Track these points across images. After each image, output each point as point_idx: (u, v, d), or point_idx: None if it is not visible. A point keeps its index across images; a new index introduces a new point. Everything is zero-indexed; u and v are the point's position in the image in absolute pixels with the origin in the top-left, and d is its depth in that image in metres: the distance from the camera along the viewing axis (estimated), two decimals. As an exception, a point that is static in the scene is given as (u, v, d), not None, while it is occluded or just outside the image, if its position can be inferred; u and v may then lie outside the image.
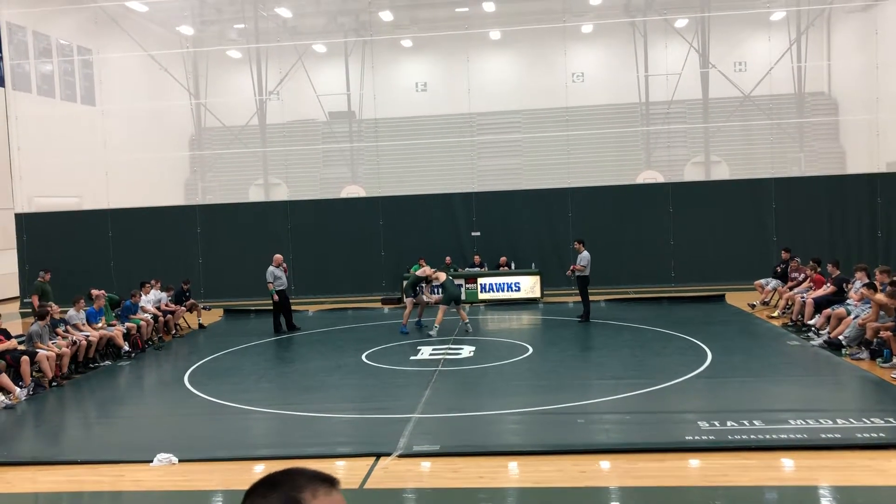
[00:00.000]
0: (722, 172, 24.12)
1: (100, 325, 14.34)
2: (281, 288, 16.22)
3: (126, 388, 12.49)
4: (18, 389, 11.22)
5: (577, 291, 16.55)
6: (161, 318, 16.30)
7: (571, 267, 16.37)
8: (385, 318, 18.17)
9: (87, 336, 13.51)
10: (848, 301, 13.34)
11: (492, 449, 8.07)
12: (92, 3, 23.32)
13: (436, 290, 16.81)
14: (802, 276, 16.22)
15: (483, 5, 24.84)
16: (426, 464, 7.77)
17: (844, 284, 14.22)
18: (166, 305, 16.99)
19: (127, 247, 22.05)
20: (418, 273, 16.38)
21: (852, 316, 12.44)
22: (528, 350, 13.34)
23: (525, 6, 26.17)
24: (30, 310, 16.46)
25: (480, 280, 19.82)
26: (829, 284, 14.63)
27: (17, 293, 22.81)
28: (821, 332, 13.24)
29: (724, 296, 18.51)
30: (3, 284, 23.52)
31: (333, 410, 9.93)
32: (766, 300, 17.36)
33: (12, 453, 8.73)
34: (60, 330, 13.40)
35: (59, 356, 12.44)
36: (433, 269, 16.37)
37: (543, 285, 19.68)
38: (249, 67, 25.95)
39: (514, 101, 24.85)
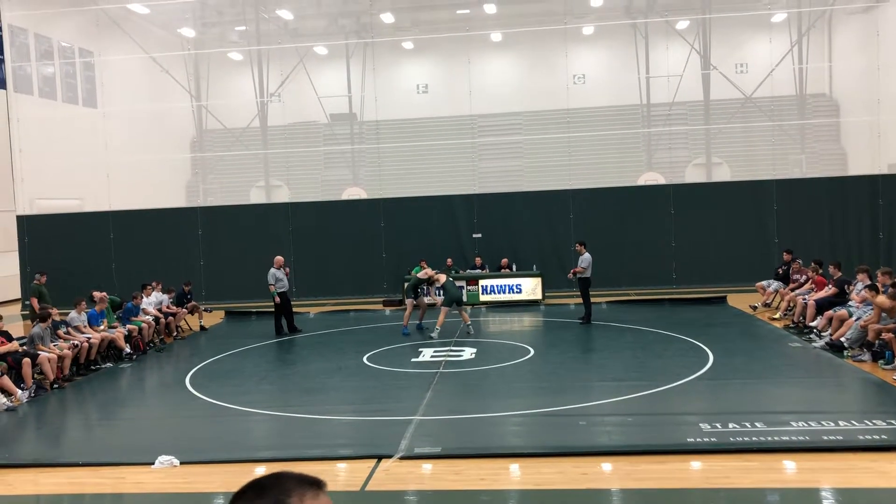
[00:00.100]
0: (723, 174, 24.11)
1: (101, 327, 14.34)
2: (282, 290, 16.22)
3: (127, 390, 12.49)
4: (20, 391, 11.22)
5: (579, 293, 16.54)
6: (162, 320, 16.31)
7: (572, 270, 16.36)
8: (386, 319, 18.16)
9: (89, 338, 13.51)
10: (850, 303, 13.32)
11: (493, 451, 8.06)
12: (93, 5, 23.35)
13: (438, 291, 16.81)
14: (804, 277, 16.21)
15: (484, 7, 24.85)
16: (427, 466, 7.76)
17: (846, 286, 14.21)
18: (167, 307, 16.99)
19: (128, 249, 22.07)
20: (419, 275, 16.38)
21: (854, 318, 12.42)
22: (529, 352, 13.34)
23: (526, 8, 26.18)
24: (30, 312, 16.41)
25: (482, 282, 19.81)
26: (830, 286, 14.62)
27: (18, 295, 22.82)
28: (822, 333, 13.22)
29: (725, 297, 18.49)
30: (5, 286, 23.55)
31: (335, 412, 9.93)
32: (767, 302, 17.35)
33: (14, 455, 8.74)
34: (62, 332, 13.41)
35: (61, 358, 12.44)
36: (434, 271, 16.38)
37: (545, 287, 19.67)
38: (251, 69, 25.96)
39: (515, 102, 24.85)
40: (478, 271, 20.48)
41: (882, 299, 11.69)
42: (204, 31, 27.08)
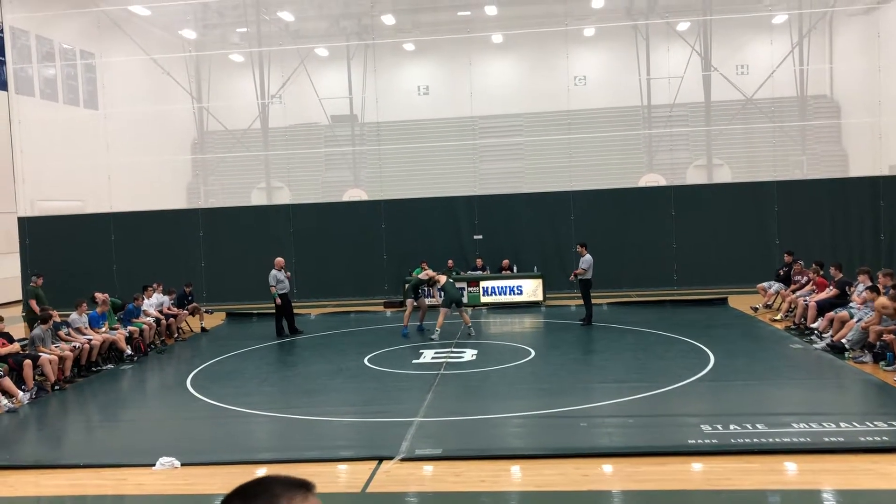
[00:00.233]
0: (724, 175, 24.11)
1: (102, 328, 14.34)
2: (283, 291, 16.23)
3: (128, 391, 12.49)
4: (21, 393, 11.23)
5: (580, 295, 16.54)
6: (163, 322, 16.31)
7: (574, 272, 16.36)
8: (387, 321, 18.17)
9: (90, 340, 13.52)
10: (851, 304, 13.31)
11: (494, 452, 8.06)
12: (95, 7, 23.38)
13: (440, 293, 16.81)
14: (805, 279, 16.21)
15: (485, 9, 24.87)
16: (428, 467, 7.76)
17: (847, 287, 14.20)
18: (169, 309, 17.00)
19: (129, 250, 22.08)
20: (420, 276, 16.38)
21: (855, 319, 12.41)
22: (530, 353, 13.33)
23: (527, 10, 26.19)
24: (26, 314, 16.34)
25: (483, 283, 19.82)
26: (831, 287, 14.61)
27: (19, 297, 22.81)
28: (824, 335, 13.21)
29: (726, 299, 18.48)
30: (6, 288, 23.55)
31: (335, 414, 9.94)
32: (768, 303, 17.34)
33: (15, 457, 8.75)
34: (63, 333, 13.41)
35: (62, 360, 12.45)
36: (434, 272, 16.37)
37: (546, 288, 19.67)
38: (252, 71, 25.99)
39: (516, 104, 24.86)
40: (479, 273, 20.48)
41: (883, 301, 11.68)
42: (205, 33, 27.10)
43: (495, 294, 19.76)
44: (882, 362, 11.14)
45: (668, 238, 21.14)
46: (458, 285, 16.73)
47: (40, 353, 12.07)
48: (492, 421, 9.30)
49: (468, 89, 22.84)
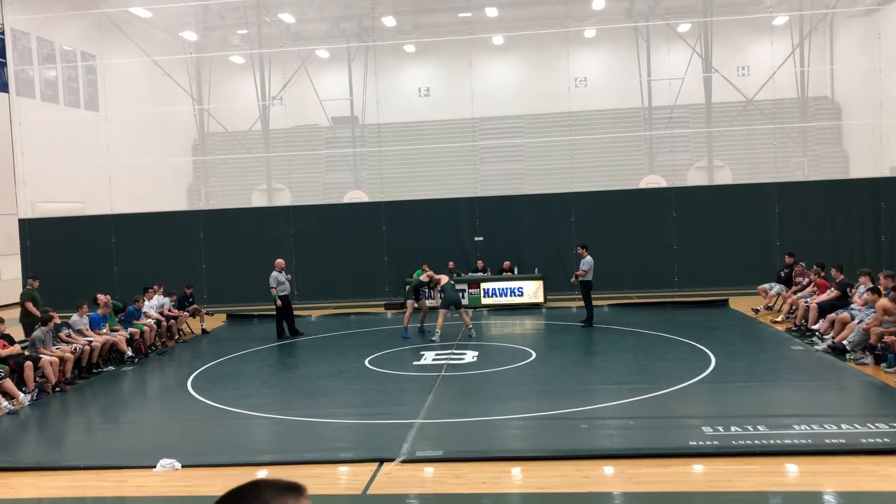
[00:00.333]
0: (725, 177, 24.10)
1: (103, 330, 14.34)
2: (284, 293, 16.22)
3: (129, 393, 12.49)
4: (22, 395, 11.23)
5: (581, 296, 16.53)
6: (164, 324, 16.31)
7: (575, 273, 16.36)
8: (388, 323, 18.16)
9: (90, 341, 13.52)
10: (852, 306, 13.31)
11: (495, 454, 8.05)
12: (96, 9, 23.39)
13: (441, 293, 16.81)
14: (806, 280, 16.20)
15: (486, 10, 24.88)
16: (429, 469, 7.75)
17: (848, 289, 14.19)
18: (169, 311, 16.99)
19: (130, 252, 22.08)
20: (421, 277, 16.37)
21: (856, 321, 12.40)
22: (531, 355, 13.33)
23: (528, 11, 26.19)
24: (27, 318, 16.24)
25: (483, 285, 19.81)
26: (832, 289, 14.60)
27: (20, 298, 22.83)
28: (825, 336, 13.20)
29: (727, 300, 18.47)
30: (7, 290, 23.54)
31: (336, 416, 9.93)
32: (769, 305, 17.33)
33: (16, 459, 8.75)
34: (63, 335, 13.41)
35: (63, 361, 12.45)
36: (434, 273, 16.35)
37: (546, 290, 19.66)
38: (252, 73, 26.01)
39: (516, 105, 24.86)
40: (479, 274, 20.47)
41: (884, 302, 11.68)
42: (206, 35, 27.12)
43: (496, 296, 19.76)
44: (883, 364, 11.13)
45: (668, 239, 21.13)
46: (458, 287, 16.72)
47: (41, 355, 12.07)
48: (493, 423, 9.29)
49: (469, 91, 22.85)
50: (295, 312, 17.12)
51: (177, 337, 16.78)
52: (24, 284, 17.97)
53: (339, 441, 8.95)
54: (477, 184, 23.55)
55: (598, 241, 18.97)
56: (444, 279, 15.85)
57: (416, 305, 16.19)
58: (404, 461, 7.86)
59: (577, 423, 8.99)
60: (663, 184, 22.89)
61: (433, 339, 14.92)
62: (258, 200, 25.88)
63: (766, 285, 17.83)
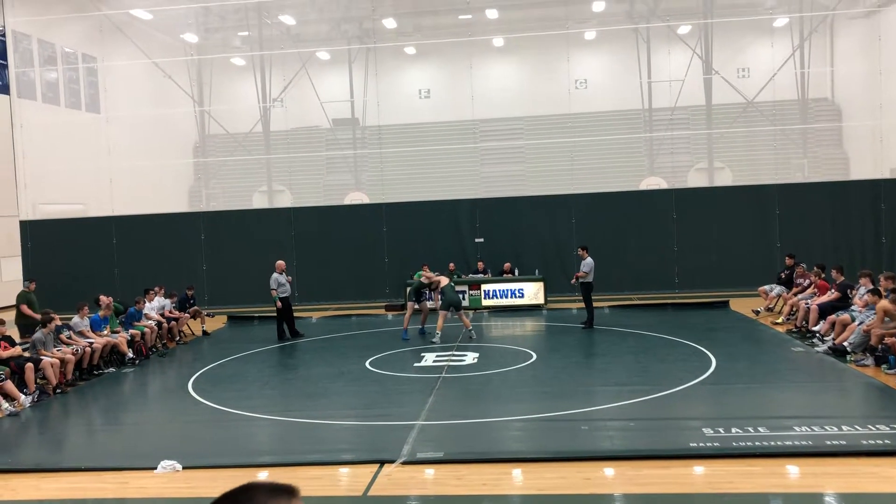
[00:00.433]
0: (725, 178, 24.11)
1: (104, 331, 14.35)
2: (284, 295, 16.23)
3: (130, 394, 12.50)
4: (23, 396, 11.23)
5: (581, 298, 16.53)
6: (165, 325, 16.32)
7: (575, 275, 16.36)
8: (389, 324, 18.16)
9: (91, 343, 13.53)
10: (852, 307, 13.31)
11: (495, 456, 8.05)
12: (97, 11, 23.43)
13: (441, 295, 16.80)
14: (807, 282, 16.20)
15: (486, 12, 24.89)
16: (430, 471, 7.75)
17: (849, 290, 14.20)
18: (170, 312, 17.01)
19: (131, 254, 22.10)
20: (421, 279, 16.37)
21: (857, 322, 12.40)
22: (531, 357, 13.33)
23: (528, 13, 26.21)
24: (22, 320, 16.22)
25: (484, 286, 19.82)
26: (833, 290, 14.60)
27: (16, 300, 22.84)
28: (825, 338, 13.20)
29: (728, 302, 18.48)
30: (8, 291, 23.52)
31: (337, 417, 9.92)
32: (770, 306, 17.33)
33: (16, 460, 8.75)
34: (64, 336, 13.42)
35: (64, 363, 12.45)
36: (434, 274, 16.35)
37: (547, 292, 19.67)
38: (253, 75, 26.03)
39: (517, 107, 24.88)
40: (480, 276, 20.48)
41: (885, 304, 11.68)
42: (207, 37, 27.15)
43: (497, 297, 19.76)
44: (884, 365, 11.13)
45: (669, 241, 21.14)
46: (459, 288, 16.71)
47: (42, 357, 12.08)
48: (493, 424, 9.29)
49: (469, 93, 22.87)
50: (296, 314, 17.12)
51: (178, 338, 16.79)
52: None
53: (340, 442, 8.95)
54: (477, 185, 23.56)
55: (598, 242, 18.98)
56: (443, 281, 15.84)
57: (416, 307, 16.19)
58: (405, 463, 7.86)
59: (578, 425, 8.99)
60: (664, 185, 22.91)
61: (434, 340, 14.92)
62: (259, 202, 25.90)
63: (766, 287, 17.83)
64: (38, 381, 11.93)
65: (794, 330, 14.80)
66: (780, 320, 16.02)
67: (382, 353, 14.21)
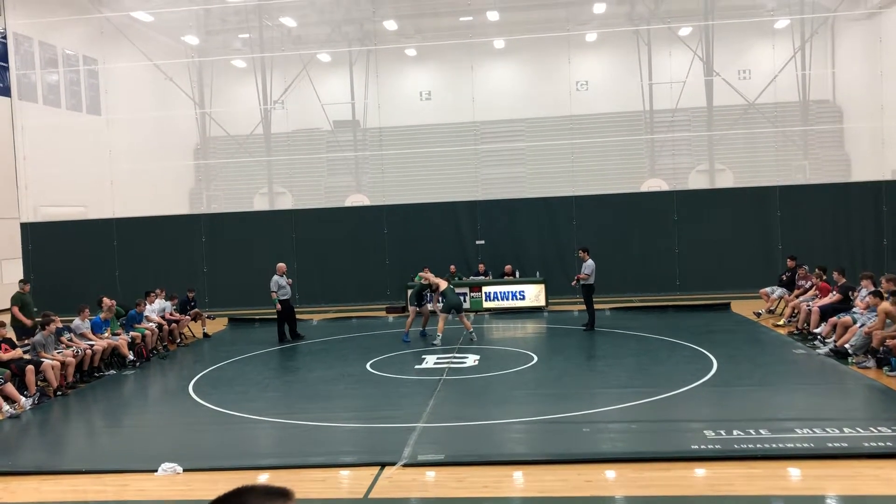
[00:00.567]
0: (726, 180, 24.10)
1: (105, 334, 14.35)
2: (285, 297, 16.22)
3: (131, 397, 12.48)
4: (23, 399, 11.23)
5: (582, 300, 16.52)
6: (166, 328, 16.31)
7: (576, 277, 16.35)
8: (389, 326, 18.15)
9: (92, 345, 13.52)
10: (854, 309, 13.29)
11: (497, 458, 8.04)
12: (98, 13, 23.45)
13: (441, 298, 16.80)
14: (809, 284, 16.18)
15: (487, 14, 24.91)
16: (431, 473, 7.74)
17: (850, 293, 14.18)
18: (171, 314, 17.00)
19: (132, 256, 22.10)
20: (423, 282, 16.36)
21: (858, 324, 12.39)
22: (533, 359, 13.32)
23: (529, 15, 26.22)
24: (14, 323, 16.10)
25: (485, 288, 19.81)
26: (834, 292, 14.58)
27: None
28: (827, 340, 13.18)
29: (729, 304, 18.46)
30: (9, 294, 23.49)
31: (338, 419, 9.91)
32: (771, 308, 17.32)
33: (16, 463, 8.73)
34: (65, 339, 13.42)
35: (64, 365, 12.45)
36: (433, 276, 16.34)
37: (548, 294, 19.66)
38: (254, 77, 26.05)
39: (518, 109, 24.89)
40: (481, 278, 20.47)
41: (886, 306, 11.66)
42: (208, 39, 27.18)
43: (498, 299, 19.75)
44: (885, 367, 11.12)
45: (670, 243, 21.12)
46: (459, 291, 16.70)
47: (42, 359, 12.07)
48: (494, 427, 9.28)
49: (470, 94, 22.87)
50: (296, 316, 17.10)
51: (178, 341, 16.79)
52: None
53: (341, 445, 8.95)
54: (478, 187, 23.56)
55: (599, 244, 18.98)
56: (442, 285, 15.80)
57: (418, 310, 16.18)
58: (406, 465, 7.85)
59: (579, 427, 8.97)
60: (665, 187, 22.90)
61: (434, 342, 14.91)
62: (260, 204, 25.91)
63: (767, 289, 17.82)
64: (39, 383, 11.93)
65: (796, 332, 14.78)
66: (781, 322, 16.00)
67: (383, 355, 14.20)
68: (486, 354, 13.93)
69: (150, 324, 15.82)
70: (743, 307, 17.97)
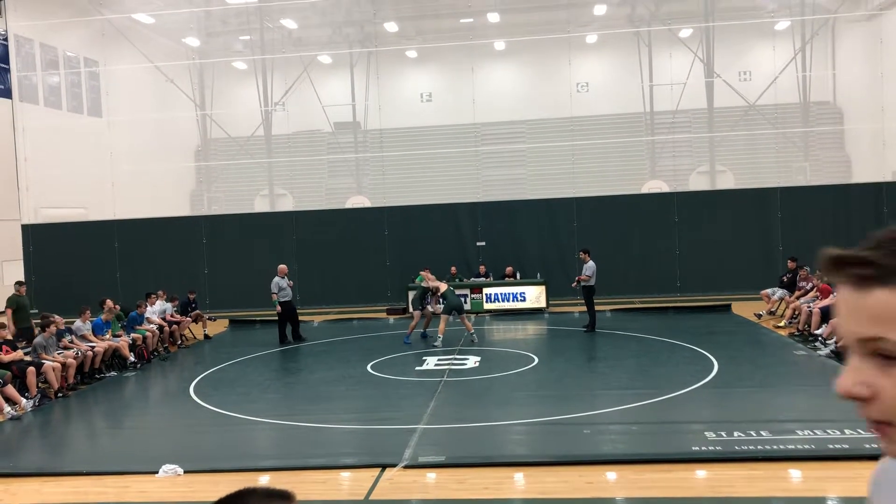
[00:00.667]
0: (727, 182, 24.10)
1: (106, 335, 14.35)
2: (285, 299, 16.20)
3: (131, 398, 12.49)
4: (24, 400, 11.23)
5: (583, 301, 16.52)
6: (167, 329, 16.31)
7: (577, 278, 16.35)
8: (390, 328, 18.15)
9: (93, 347, 13.53)
10: (855, 310, 13.26)
11: (497, 460, 8.04)
12: (99, 15, 23.48)
13: (441, 300, 16.80)
14: (809, 285, 16.18)
15: (487, 16, 24.94)
16: (432, 475, 7.74)
17: (851, 294, 14.15)
18: (172, 316, 17.00)
19: (133, 257, 22.11)
20: (423, 284, 16.36)
21: (859, 325, 12.36)
22: (533, 360, 13.32)
23: (529, 17, 26.25)
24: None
25: (486, 290, 19.80)
26: (835, 294, 14.55)
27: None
28: (828, 341, 13.18)
29: (729, 305, 18.46)
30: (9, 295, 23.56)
31: (339, 421, 9.92)
32: (772, 310, 17.31)
33: (18, 464, 8.73)
34: (66, 340, 13.42)
35: (65, 367, 12.45)
36: (434, 278, 16.33)
37: (549, 295, 19.65)
38: (255, 78, 26.07)
39: (518, 111, 24.91)
40: (482, 279, 20.47)
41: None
42: (208, 41, 27.21)
43: (498, 301, 19.74)
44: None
45: (671, 244, 21.12)
46: (460, 292, 16.69)
47: (43, 361, 12.08)
48: (495, 428, 9.27)
49: (471, 96, 22.88)
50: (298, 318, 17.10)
51: (179, 342, 16.79)
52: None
53: (342, 446, 8.95)
54: (479, 189, 23.57)
55: (600, 245, 18.96)
56: (442, 287, 15.78)
57: (422, 313, 16.17)
58: (407, 467, 7.84)
59: (580, 429, 8.97)
60: (665, 188, 22.91)
61: (435, 344, 14.91)
62: (261, 206, 25.93)
63: (768, 290, 17.82)
64: (40, 384, 11.93)
65: (797, 333, 14.78)
66: (782, 324, 16.00)
67: (384, 356, 14.20)
68: (487, 356, 13.93)
69: (151, 325, 15.81)
70: (744, 308, 17.97)
